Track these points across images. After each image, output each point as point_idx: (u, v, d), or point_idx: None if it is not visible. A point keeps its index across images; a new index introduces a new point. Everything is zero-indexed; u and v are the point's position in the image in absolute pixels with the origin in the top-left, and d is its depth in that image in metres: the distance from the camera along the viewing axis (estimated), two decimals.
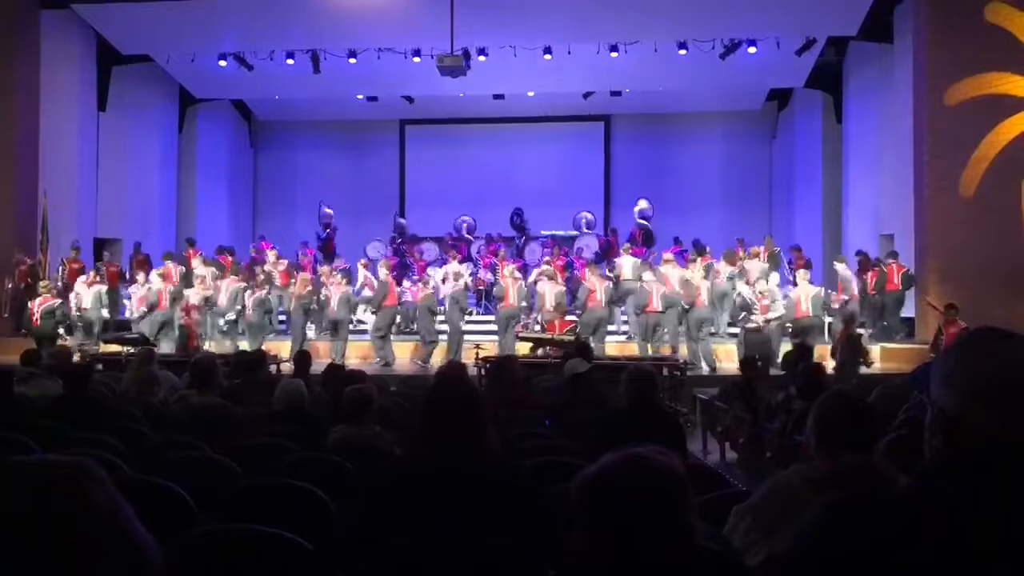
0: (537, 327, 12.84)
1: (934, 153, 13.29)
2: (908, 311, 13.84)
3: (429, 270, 15.50)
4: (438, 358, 12.62)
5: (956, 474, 1.30)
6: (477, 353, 10.80)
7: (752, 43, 15.34)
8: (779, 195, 19.95)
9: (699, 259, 14.18)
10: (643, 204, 17.48)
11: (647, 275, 12.80)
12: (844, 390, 2.64)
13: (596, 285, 12.82)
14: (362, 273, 14.87)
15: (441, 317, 13.46)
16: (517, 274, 13.69)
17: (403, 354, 13.39)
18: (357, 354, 13.30)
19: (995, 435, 1.26)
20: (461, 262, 15.39)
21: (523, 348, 11.92)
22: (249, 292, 13.33)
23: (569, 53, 15.55)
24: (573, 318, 13.35)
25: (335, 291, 13.05)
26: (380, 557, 2.21)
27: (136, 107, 17.52)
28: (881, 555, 1.28)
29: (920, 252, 13.57)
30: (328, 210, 17.93)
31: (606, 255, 16.56)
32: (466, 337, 13.09)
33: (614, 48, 15.44)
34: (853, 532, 1.32)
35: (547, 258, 15.44)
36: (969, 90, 13.07)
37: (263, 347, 11.36)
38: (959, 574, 1.22)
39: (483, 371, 9.79)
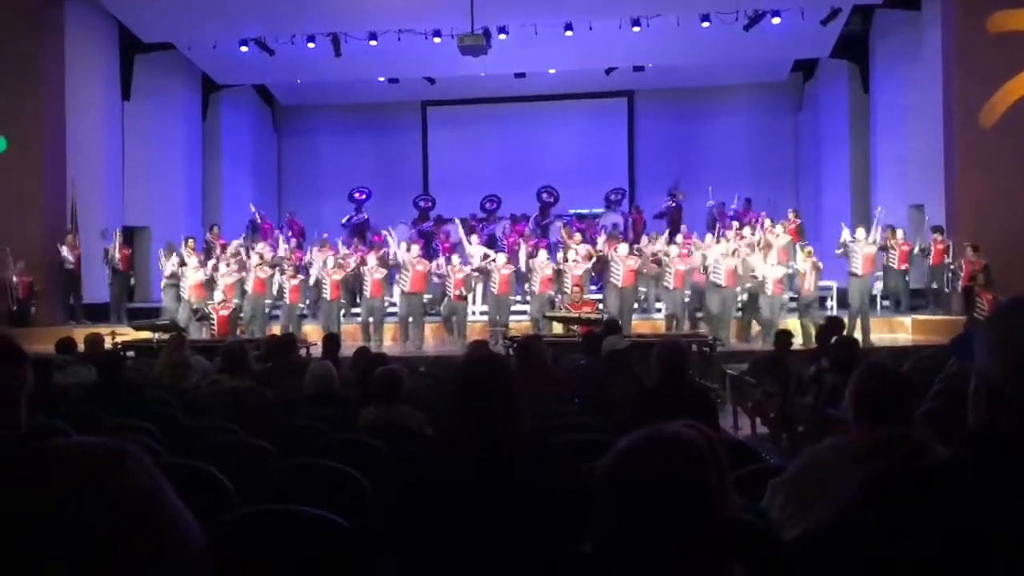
0: (561, 309, 12.82)
1: (964, 121, 13.07)
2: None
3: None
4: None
5: (999, 445, 1.28)
6: (505, 333, 10.83)
7: (776, 13, 15.12)
8: (806, 167, 19.72)
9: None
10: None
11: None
12: (882, 361, 2.61)
13: (621, 263, 12.78)
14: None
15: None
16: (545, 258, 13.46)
17: (433, 337, 13.36)
18: (387, 337, 13.34)
19: None
20: (484, 243, 15.36)
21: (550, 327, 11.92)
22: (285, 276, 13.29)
23: (590, 29, 15.41)
24: (598, 296, 13.35)
25: (371, 275, 13.09)
26: (415, 536, 2.22)
27: (160, 95, 17.62)
28: (920, 527, 1.26)
29: (950, 222, 13.38)
30: (360, 195, 18.19)
31: (633, 232, 16.48)
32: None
33: (636, 22, 15.29)
34: (893, 503, 1.31)
35: (564, 230, 15.18)
36: (1001, 104, 12.85)
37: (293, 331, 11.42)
38: (1000, 546, 1.21)
39: (510, 351, 9.81)
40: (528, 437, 2.55)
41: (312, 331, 12.66)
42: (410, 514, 2.27)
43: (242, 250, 14.33)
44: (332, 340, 7.83)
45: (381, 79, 18.95)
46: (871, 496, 1.34)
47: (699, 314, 12.91)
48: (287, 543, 2.61)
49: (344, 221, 17.88)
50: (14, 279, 13.82)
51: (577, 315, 11.66)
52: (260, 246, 14.62)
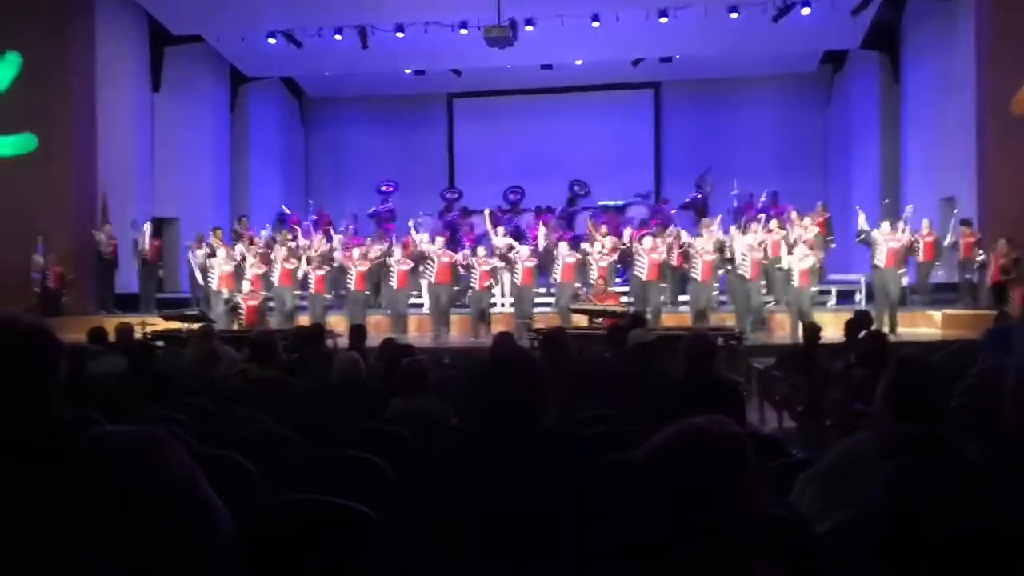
0: (586, 301, 12.78)
1: (997, 113, 12.87)
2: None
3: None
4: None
5: None
6: (529, 325, 10.82)
7: (805, 4, 14.96)
8: (835, 160, 19.52)
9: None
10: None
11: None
12: (914, 356, 2.59)
13: (646, 255, 12.73)
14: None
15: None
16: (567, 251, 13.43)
17: (458, 329, 13.40)
18: (412, 328, 13.39)
19: None
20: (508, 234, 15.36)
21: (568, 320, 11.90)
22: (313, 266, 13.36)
23: (617, 20, 15.34)
24: (623, 289, 13.32)
25: (397, 266, 13.14)
26: (441, 527, 2.23)
27: (189, 87, 17.77)
28: (951, 523, 1.25)
29: (983, 214, 13.21)
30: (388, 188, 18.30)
31: (661, 224, 16.38)
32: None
33: (663, 13, 15.19)
34: (924, 500, 1.30)
35: (592, 223, 15.13)
36: None
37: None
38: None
39: (535, 344, 9.80)
40: (553, 430, 2.55)
41: (338, 322, 12.73)
42: (436, 504, 2.28)
43: (275, 242, 14.40)
44: (358, 331, 7.87)
45: (408, 71, 18.98)
46: (901, 492, 1.33)
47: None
48: (314, 532, 2.63)
49: (370, 212, 17.96)
50: (46, 269, 14.02)
51: (602, 307, 11.62)
52: (317, 239, 14.53)
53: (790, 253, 12.57)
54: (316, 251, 13.82)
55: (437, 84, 19.87)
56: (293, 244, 14.17)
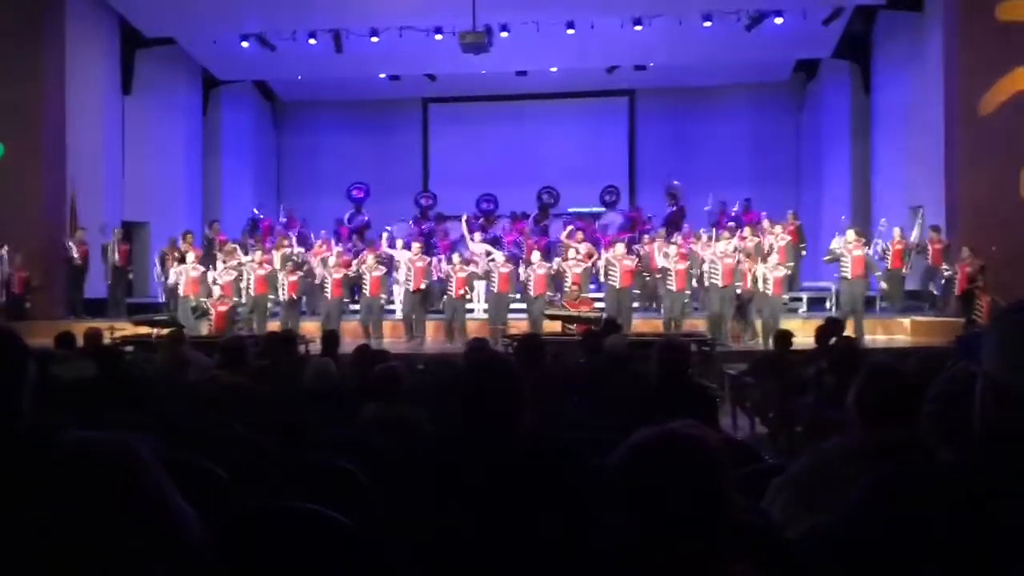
0: (560, 307, 12.80)
1: (965, 123, 13.06)
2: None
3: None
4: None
5: (1005, 446, 1.28)
6: (504, 332, 10.82)
7: (778, 13, 15.12)
8: (807, 168, 19.72)
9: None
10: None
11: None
12: (887, 363, 2.61)
13: (618, 263, 12.78)
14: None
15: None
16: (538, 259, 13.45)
17: (433, 335, 13.35)
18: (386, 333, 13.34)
19: None
20: (485, 240, 15.38)
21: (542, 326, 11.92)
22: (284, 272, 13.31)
23: (592, 27, 15.41)
24: (598, 295, 13.35)
25: (370, 272, 13.11)
26: (415, 533, 2.21)
27: (160, 90, 17.61)
28: (926, 529, 1.26)
29: (950, 222, 13.39)
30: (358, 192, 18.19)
31: (631, 232, 16.46)
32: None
33: (638, 21, 15.28)
34: (899, 507, 1.30)
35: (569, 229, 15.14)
36: (1001, 94, 12.82)
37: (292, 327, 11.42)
38: (1006, 548, 1.20)
39: (510, 350, 9.79)
40: (532, 434, 2.54)
41: (311, 327, 12.65)
42: (412, 510, 2.26)
43: (239, 248, 14.31)
44: (332, 337, 7.82)
45: (382, 76, 18.92)
46: (878, 498, 1.34)
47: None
48: (286, 539, 2.60)
49: (345, 220, 17.81)
50: (11, 273, 13.81)
51: (576, 314, 11.65)
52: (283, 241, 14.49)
53: (764, 261, 12.66)
54: (283, 253, 13.81)
55: (412, 89, 19.84)
56: (289, 250, 14.14)
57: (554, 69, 18.36)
